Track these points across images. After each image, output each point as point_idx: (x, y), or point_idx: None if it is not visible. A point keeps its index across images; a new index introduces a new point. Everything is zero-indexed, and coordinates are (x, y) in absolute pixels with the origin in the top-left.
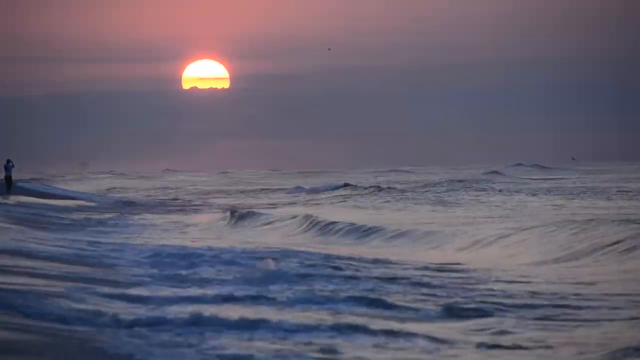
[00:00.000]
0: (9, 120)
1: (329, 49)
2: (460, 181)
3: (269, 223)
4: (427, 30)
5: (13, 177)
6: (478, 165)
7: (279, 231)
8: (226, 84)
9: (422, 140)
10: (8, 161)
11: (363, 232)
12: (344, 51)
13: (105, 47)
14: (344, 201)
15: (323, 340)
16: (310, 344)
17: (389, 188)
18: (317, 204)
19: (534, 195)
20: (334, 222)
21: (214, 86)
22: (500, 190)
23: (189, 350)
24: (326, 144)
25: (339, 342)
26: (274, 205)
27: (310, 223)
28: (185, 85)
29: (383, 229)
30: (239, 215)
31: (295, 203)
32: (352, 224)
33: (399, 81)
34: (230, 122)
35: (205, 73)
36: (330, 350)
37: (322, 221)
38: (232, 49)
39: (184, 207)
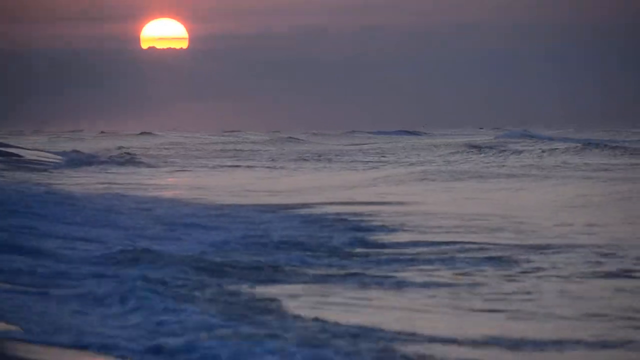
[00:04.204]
0: None
1: None
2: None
3: None
4: None
5: None
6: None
7: None
8: (185, 44)
9: (378, 103)
10: None
11: None
12: (309, 12)
13: (62, 6)
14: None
15: None
16: None
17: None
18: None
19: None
20: None
21: (172, 46)
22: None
23: None
24: (284, 104)
25: None
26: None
27: None
28: (144, 45)
29: None
30: None
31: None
32: None
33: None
34: (188, 83)
35: (164, 33)
36: None
37: None
38: (191, 8)
39: None
